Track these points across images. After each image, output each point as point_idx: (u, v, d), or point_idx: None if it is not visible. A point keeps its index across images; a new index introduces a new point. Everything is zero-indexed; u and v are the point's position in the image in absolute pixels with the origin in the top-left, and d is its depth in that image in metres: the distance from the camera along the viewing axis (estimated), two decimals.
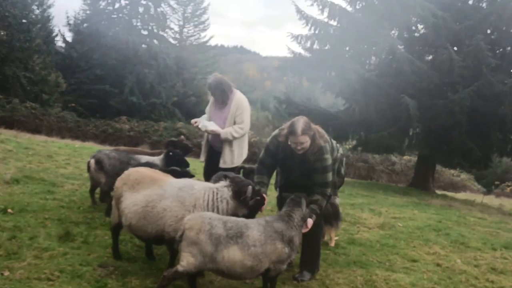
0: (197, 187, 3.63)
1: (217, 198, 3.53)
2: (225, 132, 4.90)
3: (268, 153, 4.02)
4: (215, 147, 5.11)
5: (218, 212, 3.51)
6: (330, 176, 3.91)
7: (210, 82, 4.99)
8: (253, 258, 3.23)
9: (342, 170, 4.27)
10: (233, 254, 3.17)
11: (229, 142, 4.95)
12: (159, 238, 3.58)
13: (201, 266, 3.22)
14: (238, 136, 4.96)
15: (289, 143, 3.75)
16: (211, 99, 5.21)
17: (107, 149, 5.95)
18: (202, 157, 5.23)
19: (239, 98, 5.02)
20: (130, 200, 3.64)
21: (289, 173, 4.13)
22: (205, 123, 4.95)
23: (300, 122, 3.68)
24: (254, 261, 3.24)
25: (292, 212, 3.53)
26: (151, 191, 3.62)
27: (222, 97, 4.96)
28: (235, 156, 5.02)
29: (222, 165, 4.94)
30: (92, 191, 5.76)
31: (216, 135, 4.95)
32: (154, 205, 3.53)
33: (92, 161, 5.37)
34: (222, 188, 3.60)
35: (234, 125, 4.94)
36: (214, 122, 4.97)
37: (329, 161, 3.85)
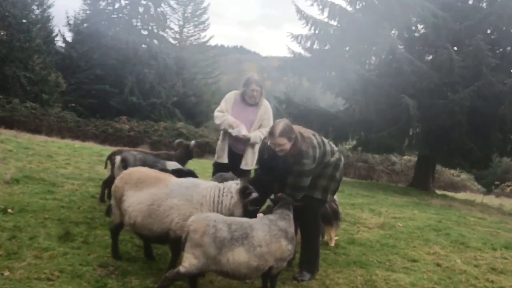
0: (202, 185, 3.70)
1: (223, 193, 3.61)
2: (255, 136, 4.95)
3: (260, 154, 4.12)
4: (235, 150, 5.10)
5: (221, 207, 3.57)
6: (305, 182, 3.86)
7: (257, 79, 5.08)
8: (258, 259, 3.26)
9: (337, 175, 4.23)
10: (238, 256, 3.19)
11: (253, 145, 5.00)
12: (163, 237, 3.60)
13: (203, 268, 3.23)
14: None
15: (268, 144, 3.83)
16: (232, 96, 5.14)
17: (133, 149, 5.98)
18: (225, 159, 5.11)
19: (267, 103, 5.17)
20: (134, 198, 3.64)
21: (276, 175, 4.14)
22: (240, 128, 4.95)
23: (280, 124, 3.76)
24: (259, 261, 3.27)
25: (288, 211, 3.66)
26: (157, 190, 3.63)
27: (259, 97, 5.02)
28: (255, 158, 5.11)
29: (244, 166, 5.01)
30: (106, 185, 5.80)
31: (239, 138, 4.95)
32: (160, 204, 3.56)
33: (118, 159, 5.34)
34: (230, 184, 3.68)
35: (261, 129, 5.00)
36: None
37: (307, 167, 3.81)
